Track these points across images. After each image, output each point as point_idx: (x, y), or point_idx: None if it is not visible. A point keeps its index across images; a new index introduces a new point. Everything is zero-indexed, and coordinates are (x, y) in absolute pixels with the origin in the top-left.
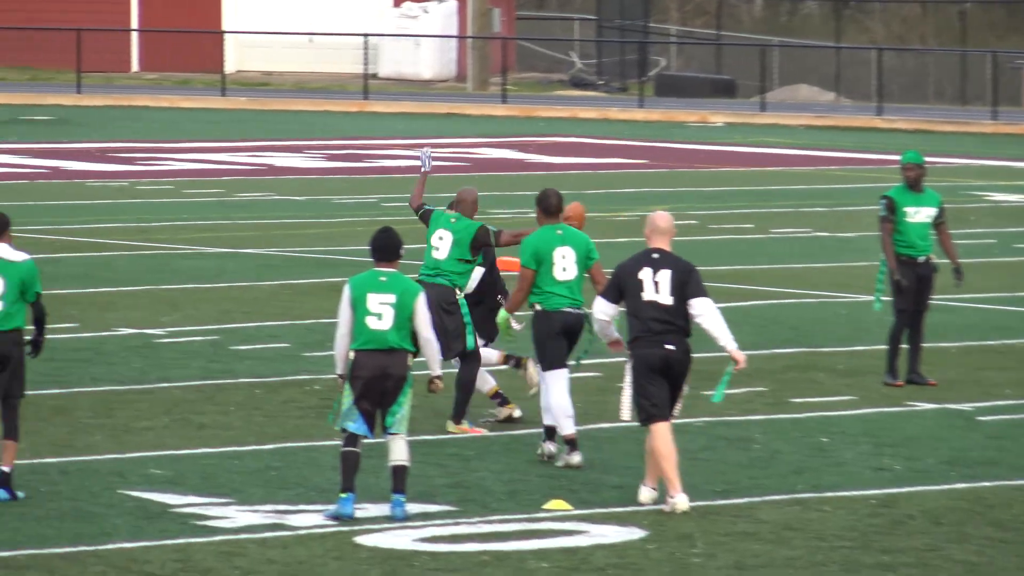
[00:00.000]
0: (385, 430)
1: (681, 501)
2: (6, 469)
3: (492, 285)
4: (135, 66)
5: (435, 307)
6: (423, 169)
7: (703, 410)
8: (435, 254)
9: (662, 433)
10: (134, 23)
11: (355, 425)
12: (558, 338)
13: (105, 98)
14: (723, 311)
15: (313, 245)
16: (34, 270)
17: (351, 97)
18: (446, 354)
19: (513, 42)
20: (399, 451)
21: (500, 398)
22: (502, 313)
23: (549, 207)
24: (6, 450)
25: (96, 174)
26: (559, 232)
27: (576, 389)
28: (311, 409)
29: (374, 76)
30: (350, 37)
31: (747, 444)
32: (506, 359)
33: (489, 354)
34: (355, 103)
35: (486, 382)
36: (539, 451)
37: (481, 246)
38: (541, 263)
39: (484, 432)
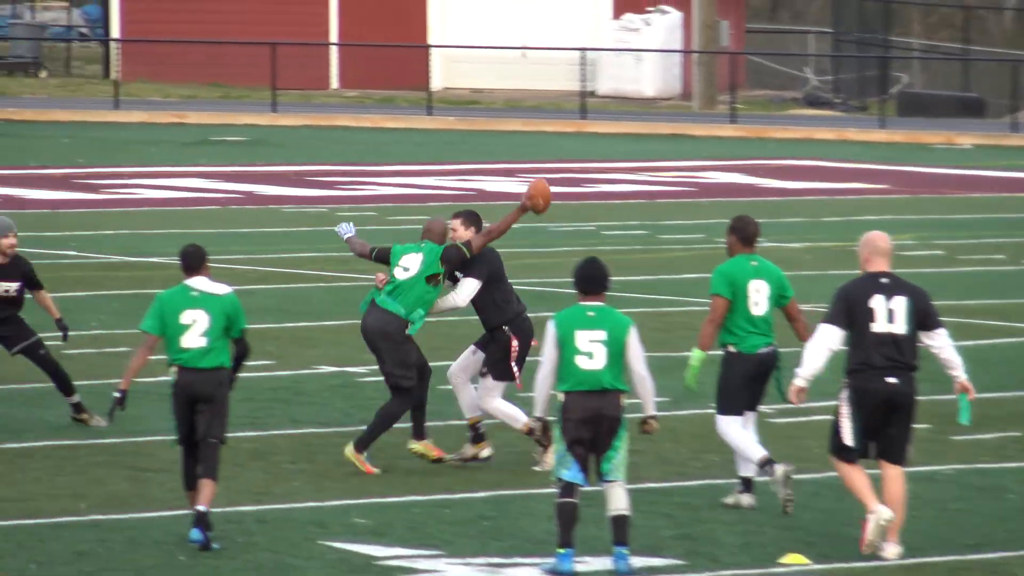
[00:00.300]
0: (601, 477)
1: (884, 513)
2: (202, 508)
3: (498, 309)
4: (334, 83)
5: (377, 335)
6: (348, 235)
7: (953, 457)
8: (400, 274)
9: (853, 473)
10: (333, 37)
11: (569, 473)
12: (751, 383)
13: (302, 117)
14: (972, 349)
15: (527, 276)
16: (237, 304)
17: (567, 116)
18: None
19: (742, 57)
20: (618, 499)
21: (475, 432)
22: (697, 353)
23: (747, 236)
24: (203, 488)
25: (293, 199)
26: (754, 264)
27: (808, 432)
28: (526, 454)
29: (592, 94)
30: (566, 52)
31: (1001, 494)
32: (529, 431)
33: (513, 413)
34: (571, 123)
35: (516, 420)
36: (729, 499)
37: (453, 261)
38: (735, 296)
39: (376, 471)
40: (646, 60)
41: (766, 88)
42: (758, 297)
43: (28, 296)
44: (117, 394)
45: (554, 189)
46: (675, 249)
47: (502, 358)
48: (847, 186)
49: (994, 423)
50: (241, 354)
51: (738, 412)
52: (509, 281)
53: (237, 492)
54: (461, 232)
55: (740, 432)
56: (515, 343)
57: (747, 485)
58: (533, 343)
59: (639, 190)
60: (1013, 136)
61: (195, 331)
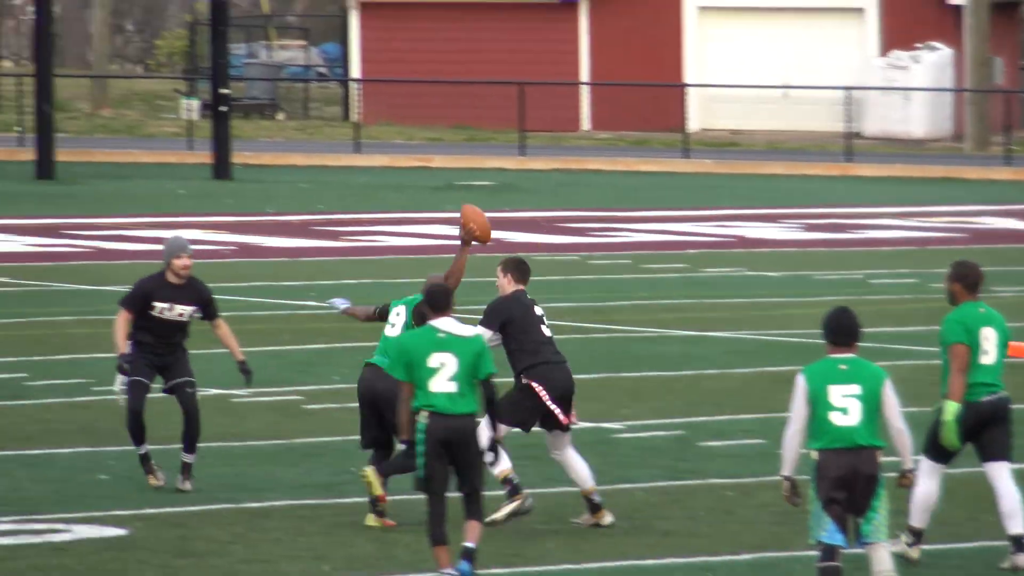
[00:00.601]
0: (862, 539)
1: None
2: (470, 545)
3: (514, 356)
4: (585, 125)
5: (367, 394)
6: (344, 308)
7: None
8: (389, 331)
9: None
10: (584, 76)
11: (828, 535)
12: (972, 432)
13: (552, 161)
14: None
15: (791, 327)
16: (484, 345)
17: (831, 159)
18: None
19: (1017, 96)
20: (883, 562)
21: (590, 503)
22: (951, 407)
23: (971, 283)
24: (471, 529)
25: (544, 247)
26: (981, 311)
27: None
28: (789, 513)
29: (858, 135)
30: (830, 91)
31: None
32: (592, 507)
33: (582, 472)
34: (836, 166)
35: (584, 480)
36: (1006, 563)
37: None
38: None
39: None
40: (915, 99)
41: None
42: (987, 346)
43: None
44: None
45: (818, 235)
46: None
47: (523, 403)
48: None
49: None
50: (490, 398)
51: (944, 461)
52: (543, 329)
53: (486, 554)
54: (500, 280)
55: (931, 485)
56: (538, 387)
57: (1018, 544)
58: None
59: (909, 236)
60: None
61: (443, 375)
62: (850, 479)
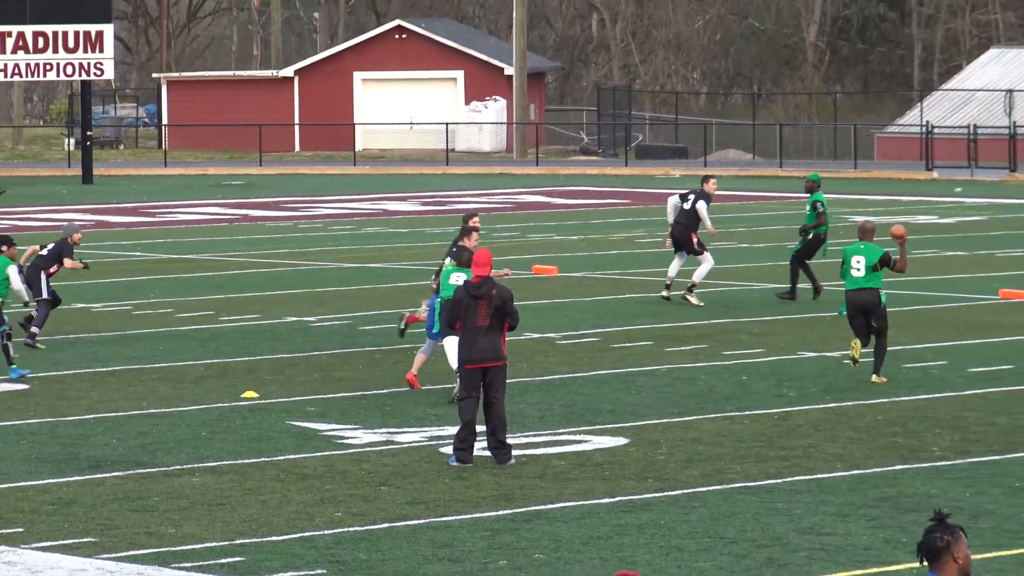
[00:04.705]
0: None
1: None
2: None
3: None
4: (297, 147)
5: None
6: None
7: (668, 360)
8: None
9: None
10: (296, 119)
11: None
12: None
13: (279, 168)
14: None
15: (404, 260)
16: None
17: (438, 164)
18: None
19: (543, 125)
20: None
21: None
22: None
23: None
24: None
25: (272, 218)
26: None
27: None
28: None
29: (452, 150)
30: (437, 124)
31: (694, 382)
32: None
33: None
34: (440, 167)
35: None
36: None
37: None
38: None
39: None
40: (486, 129)
41: (557, 144)
42: None
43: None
44: None
45: (425, 207)
46: None
47: None
48: (607, 201)
49: (690, 340)
50: None
51: None
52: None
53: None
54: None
55: None
56: None
57: None
58: None
59: (485, 206)
60: (704, 169)
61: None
62: None
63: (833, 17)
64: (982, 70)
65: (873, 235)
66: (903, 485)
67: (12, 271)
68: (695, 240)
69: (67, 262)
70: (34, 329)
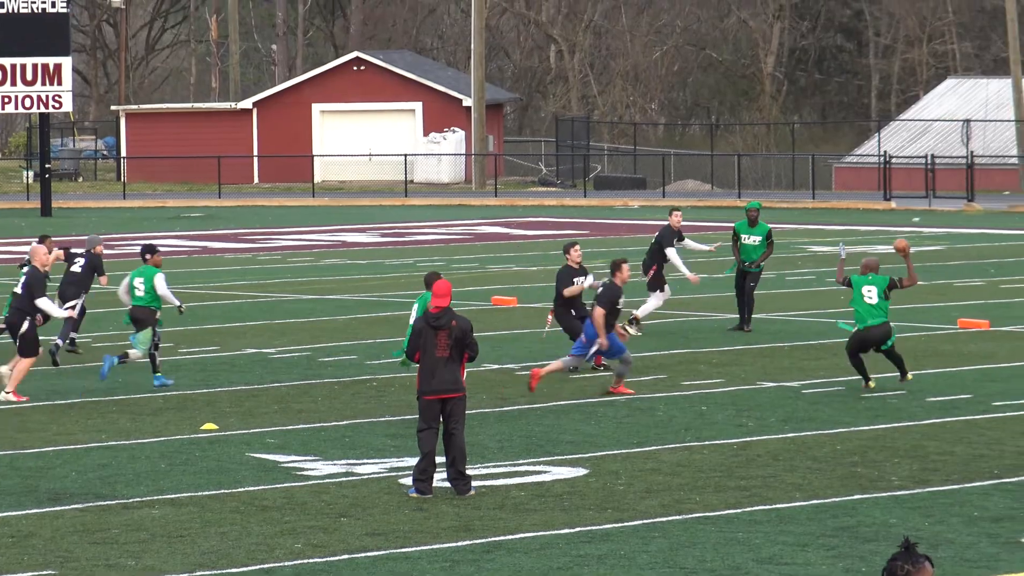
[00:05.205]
0: None
1: None
2: None
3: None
4: (256, 179)
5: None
6: (841, 256)
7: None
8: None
9: None
10: (255, 151)
11: None
12: None
13: (237, 200)
14: None
15: (363, 292)
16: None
17: (397, 196)
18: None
19: (502, 157)
20: None
21: None
22: None
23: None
24: None
25: (231, 250)
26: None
27: None
28: (372, 398)
29: (411, 181)
30: (395, 156)
31: (653, 413)
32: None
33: None
34: (399, 198)
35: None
36: None
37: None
38: None
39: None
40: (444, 160)
41: (516, 175)
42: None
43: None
44: None
45: (388, 239)
46: None
47: None
48: (566, 231)
49: (649, 371)
50: None
51: None
52: None
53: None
54: None
55: None
56: None
57: None
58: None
59: (442, 237)
60: (663, 200)
61: None
62: None
63: (790, 48)
64: (939, 100)
65: (878, 268)
66: (862, 515)
67: (159, 279)
68: (651, 274)
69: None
70: (72, 335)
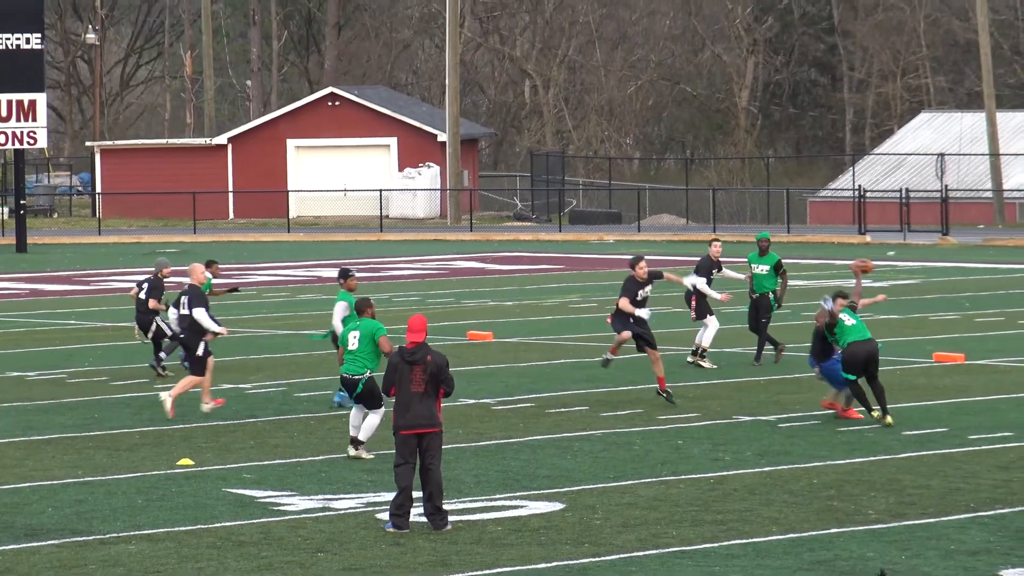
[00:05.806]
0: None
1: None
2: None
3: None
4: (231, 215)
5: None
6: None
7: (601, 426)
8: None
9: None
10: (230, 187)
11: None
12: None
13: (213, 236)
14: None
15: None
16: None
17: (371, 231)
18: None
19: (477, 192)
20: None
21: None
22: None
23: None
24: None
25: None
26: None
27: None
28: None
29: (387, 216)
30: (370, 191)
31: (630, 447)
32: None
33: None
34: (374, 234)
35: None
36: None
37: None
38: None
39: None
40: (419, 195)
41: (491, 209)
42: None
43: None
44: None
45: (362, 273)
46: None
47: None
48: (541, 266)
49: (626, 406)
50: None
51: None
52: None
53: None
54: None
55: None
56: None
57: None
58: None
59: (416, 272)
60: (638, 234)
61: None
62: None
63: (765, 82)
64: (913, 134)
65: (847, 297)
66: (839, 548)
67: (342, 306)
68: (694, 304)
69: (151, 303)
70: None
